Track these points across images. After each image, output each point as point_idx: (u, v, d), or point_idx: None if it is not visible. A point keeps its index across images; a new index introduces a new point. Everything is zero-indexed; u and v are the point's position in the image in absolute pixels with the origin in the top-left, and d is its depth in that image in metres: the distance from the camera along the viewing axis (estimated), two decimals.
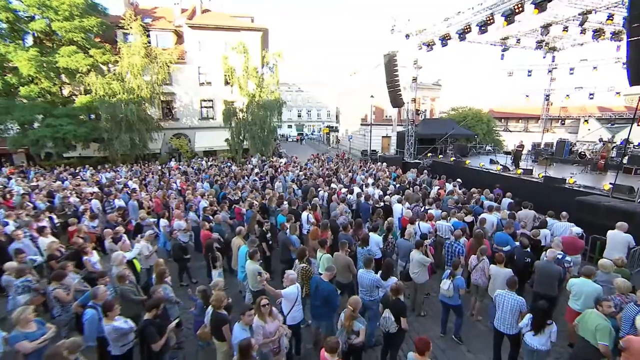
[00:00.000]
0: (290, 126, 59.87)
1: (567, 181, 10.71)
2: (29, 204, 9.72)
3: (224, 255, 7.03)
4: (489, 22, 12.59)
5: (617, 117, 25.24)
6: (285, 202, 8.93)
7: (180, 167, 18.40)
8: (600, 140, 16.65)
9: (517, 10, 11.35)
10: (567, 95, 21.00)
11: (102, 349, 4.27)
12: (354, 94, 33.45)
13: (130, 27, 19.89)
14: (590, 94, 19.81)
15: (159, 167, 18.25)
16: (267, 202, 9.38)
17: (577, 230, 6.75)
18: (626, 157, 12.77)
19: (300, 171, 15.30)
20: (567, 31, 15.73)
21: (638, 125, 10.14)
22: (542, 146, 19.28)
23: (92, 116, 20.76)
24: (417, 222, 7.30)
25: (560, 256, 5.47)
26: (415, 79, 18.73)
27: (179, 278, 7.56)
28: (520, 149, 15.73)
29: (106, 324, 3.95)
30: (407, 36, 16.25)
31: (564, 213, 7.28)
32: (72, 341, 3.37)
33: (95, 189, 12.35)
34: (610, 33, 15.88)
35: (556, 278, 5.22)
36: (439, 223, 7.60)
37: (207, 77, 24.51)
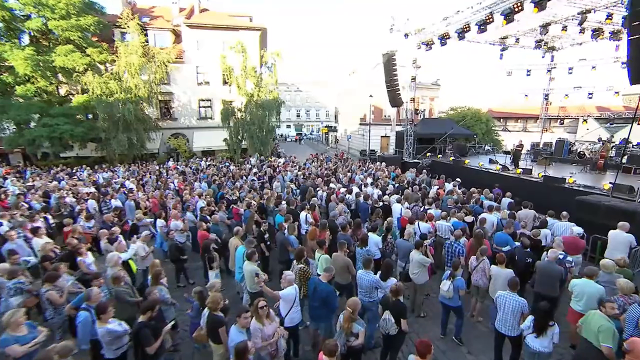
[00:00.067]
0: (289, 126, 59.80)
1: (566, 181, 10.67)
2: (24, 204, 9.60)
3: (221, 256, 6.95)
4: (488, 21, 12.52)
5: (615, 116, 25.24)
6: (284, 202, 8.85)
7: (178, 167, 18.28)
8: (600, 139, 16.63)
9: (516, 9, 11.30)
10: (566, 95, 20.97)
11: (95, 352, 4.18)
12: (352, 94, 33.38)
13: (128, 26, 19.76)
14: (589, 94, 19.79)
15: (157, 167, 18.14)
16: (265, 202, 9.29)
17: (578, 230, 6.70)
18: (625, 157, 12.74)
19: (298, 171, 15.22)
20: (566, 30, 15.69)
21: (638, 124, 10.08)
22: (541, 146, 19.27)
23: (90, 116, 20.61)
24: (416, 222, 7.22)
25: (561, 256, 5.41)
26: (414, 79, 18.67)
27: (176, 279, 7.46)
28: (520, 148, 15.69)
29: (99, 326, 3.86)
30: (406, 35, 16.16)
31: (564, 213, 7.22)
32: (63, 345, 3.28)
33: (92, 189, 12.24)
34: (609, 33, 15.86)
35: (557, 278, 5.15)
36: (439, 223, 7.54)
37: (205, 77, 24.41)
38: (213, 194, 10.83)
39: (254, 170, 16.11)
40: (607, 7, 13.35)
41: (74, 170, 16.75)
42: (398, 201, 8.85)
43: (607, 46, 17.01)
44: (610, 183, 9.53)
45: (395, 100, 18.55)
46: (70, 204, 9.97)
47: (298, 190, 11.44)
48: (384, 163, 17.30)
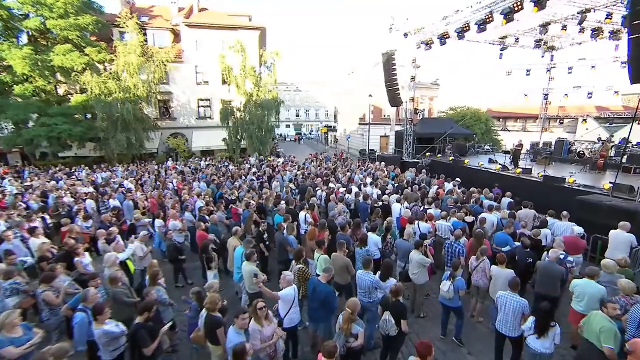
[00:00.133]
0: (288, 126, 59.73)
1: (566, 181, 10.64)
2: (21, 204, 9.55)
3: (220, 256, 6.90)
4: (488, 20, 12.49)
5: (615, 116, 25.24)
6: (283, 202, 8.80)
7: (177, 167, 18.23)
8: (599, 139, 16.61)
9: (516, 9, 11.27)
10: (566, 95, 20.96)
11: (92, 354, 4.14)
12: (352, 94, 33.34)
13: (127, 26, 19.70)
14: (589, 94, 19.78)
15: (156, 167, 18.08)
16: (264, 202, 9.25)
17: (579, 230, 6.67)
18: (625, 157, 12.72)
19: (298, 171, 15.17)
20: (566, 30, 15.67)
21: (639, 124, 10.05)
22: (540, 146, 19.24)
23: (89, 116, 20.53)
24: (416, 223, 7.19)
25: (562, 256, 5.37)
26: (413, 78, 18.63)
27: (175, 279, 7.42)
28: (520, 148, 15.66)
29: (96, 328, 3.81)
30: (406, 35, 16.12)
31: (565, 213, 7.18)
32: (59, 347, 3.23)
33: (91, 189, 12.19)
34: (609, 32, 15.85)
35: (559, 279, 5.12)
36: (439, 223, 7.50)
37: (204, 77, 24.34)
38: (212, 194, 10.79)
39: (253, 170, 16.06)
40: (607, 7, 13.34)
41: (72, 170, 16.69)
42: (398, 201, 8.81)
43: (606, 46, 17.03)
44: (610, 183, 9.50)
45: (394, 100, 18.52)
46: (68, 204, 9.92)
47: (297, 190, 11.40)
48: (383, 163, 17.26)
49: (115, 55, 19.69)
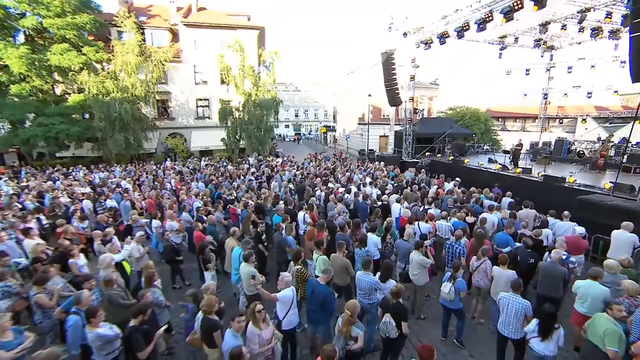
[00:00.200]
0: (287, 126, 59.59)
1: (567, 180, 10.58)
2: (17, 204, 9.44)
3: (217, 257, 6.82)
4: (487, 19, 12.43)
5: (614, 116, 25.24)
6: (281, 202, 8.72)
7: (175, 166, 18.12)
8: (599, 139, 16.58)
9: (516, 7, 11.21)
10: (565, 94, 20.93)
11: (85, 357, 4.04)
12: (351, 94, 33.27)
13: (124, 25, 19.57)
14: (588, 93, 19.75)
15: (154, 167, 17.97)
16: (262, 202, 9.16)
17: (581, 230, 6.60)
18: (625, 156, 12.69)
19: (297, 170, 15.10)
20: (565, 29, 15.63)
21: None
22: (540, 145, 19.20)
23: (86, 115, 20.40)
24: (416, 223, 7.11)
25: (564, 257, 5.30)
26: (413, 78, 18.55)
27: (172, 280, 7.34)
28: (519, 147, 15.60)
29: (89, 331, 3.72)
30: (405, 34, 16.05)
31: (566, 212, 7.11)
32: (49, 352, 3.14)
33: (88, 189, 12.07)
34: (609, 32, 15.82)
35: (561, 279, 5.05)
36: (439, 223, 7.43)
37: (203, 76, 24.23)
38: (210, 194, 10.70)
39: (252, 170, 15.97)
40: (606, 6, 13.29)
41: (69, 170, 16.56)
42: (397, 201, 8.74)
43: (606, 45, 17.00)
44: (611, 182, 9.44)
45: (394, 99, 18.46)
46: (65, 204, 9.81)
47: (295, 190, 11.31)
48: (382, 162, 17.19)
49: (113, 55, 19.57)
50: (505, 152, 17.34)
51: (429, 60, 43.21)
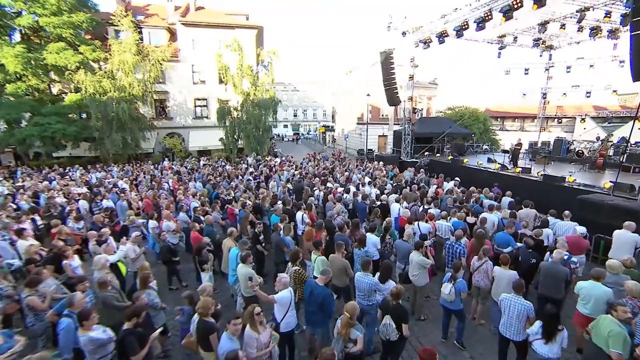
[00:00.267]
0: (286, 126, 59.49)
1: (566, 180, 10.54)
2: (12, 205, 9.32)
3: (215, 257, 6.72)
4: (486, 18, 12.40)
5: (613, 115, 25.26)
6: (280, 202, 8.63)
7: (173, 166, 18.00)
8: (598, 138, 16.57)
9: (515, 6, 11.17)
10: (564, 94, 20.94)
11: None
12: (350, 94, 33.23)
13: (121, 24, 19.41)
14: (587, 93, 19.75)
15: (151, 167, 17.84)
16: (260, 202, 9.07)
17: (582, 229, 6.54)
18: (624, 156, 12.65)
19: (295, 170, 15.01)
20: (564, 29, 15.62)
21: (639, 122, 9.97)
22: (539, 145, 19.18)
23: (83, 115, 20.23)
24: (416, 223, 7.03)
25: (566, 257, 5.24)
26: (412, 77, 18.51)
27: (168, 281, 7.24)
28: (519, 147, 15.57)
29: (81, 334, 3.62)
30: (404, 34, 16.00)
31: (566, 212, 7.06)
32: (40, 356, 3.05)
33: (84, 190, 11.94)
34: (607, 31, 15.81)
35: (563, 280, 4.98)
36: (439, 223, 7.36)
37: (201, 76, 24.10)
38: (208, 194, 10.60)
39: (250, 169, 15.88)
40: (605, 5, 13.27)
41: (66, 170, 16.41)
42: (397, 201, 8.66)
43: (605, 45, 17.00)
44: (611, 182, 9.40)
45: (392, 99, 18.40)
46: (60, 204, 9.70)
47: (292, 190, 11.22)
48: (381, 162, 17.12)
49: (110, 54, 19.39)
50: (505, 151, 17.31)
51: (427, 59, 43.36)
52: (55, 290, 4.76)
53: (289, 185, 11.68)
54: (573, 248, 5.83)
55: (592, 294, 4.36)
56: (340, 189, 10.29)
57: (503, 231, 6.70)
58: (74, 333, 3.82)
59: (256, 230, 7.14)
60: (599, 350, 3.58)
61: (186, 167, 17.51)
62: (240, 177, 13.78)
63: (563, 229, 6.82)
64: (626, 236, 5.88)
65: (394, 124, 22.91)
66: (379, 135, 30.96)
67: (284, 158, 20.91)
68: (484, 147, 21.99)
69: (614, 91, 19.29)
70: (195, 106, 24.65)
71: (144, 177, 14.64)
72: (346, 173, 13.73)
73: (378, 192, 10.21)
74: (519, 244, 6.17)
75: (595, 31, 15.67)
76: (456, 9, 13.43)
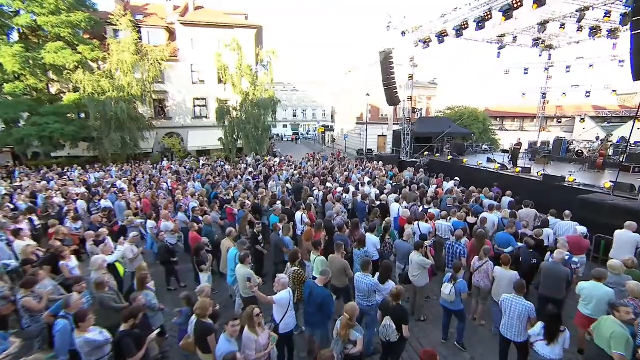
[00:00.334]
0: (285, 126, 59.42)
1: (566, 179, 10.51)
2: (9, 205, 9.26)
3: (213, 257, 6.68)
4: (486, 18, 12.37)
5: (612, 115, 25.27)
6: (279, 202, 8.59)
7: (172, 166, 17.94)
8: (598, 138, 16.56)
9: (515, 5, 11.13)
10: (564, 94, 20.93)
11: None
12: (349, 94, 33.19)
13: (120, 23, 19.34)
14: (587, 92, 19.75)
15: (150, 167, 17.77)
16: (259, 202, 9.03)
17: (582, 229, 6.51)
18: (623, 155, 12.65)
19: (295, 170, 14.97)
20: (564, 28, 15.62)
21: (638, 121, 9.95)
22: (538, 145, 19.17)
23: (82, 115, 20.16)
24: (416, 223, 6.99)
25: (567, 257, 5.20)
26: (411, 77, 18.48)
27: (167, 282, 7.20)
28: (518, 147, 15.55)
29: (77, 336, 3.57)
30: (403, 33, 15.97)
31: (567, 212, 7.03)
32: (35, 358, 3.02)
33: (82, 190, 11.88)
34: (607, 31, 15.80)
35: (564, 280, 4.95)
36: (439, 223, 7.32)
37: (200, 75, 24.03)
38: (207, 194, 10.55)
39: (250, 169, 15.83)
40: (605, 4, 13.25)
41: (64, 170, 16.34)
42: (396, 200, 8.63)
43: (604, 45, 17.00)
44: (611, 182, 9.37)
45: (392, 98, 18.37)
46: (58, 204, 9.64)
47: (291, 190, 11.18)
48: (381, 162, 17.08)
49: (109, 53, 19.32)
50: (504, 151, 17.29)
51: (427, 59, 43.22)
52: (52, 291, 4.70)
53: (288, 185, 11.64)
54: (574, 248, 5.80)
55: (593, 295, 4.32)
56: (339, 189, 10.25)
57: (503, 231, 6.66)
58: (70, 335, 3.77)
59: (255, 230, 7.09)
60: (601, 351, 3.54)
61: (185, 167, 17.45)
62: (239, 177, 13.73)
63: (563, 229, 6.79)
64: (627, 236, 5.84)
65: (394, 124, 22.91)
66: (379, 135, 30.93)
67: (283, 158, 20.85)
68: (484, 147, 21.98)
69: (614, 91, 19.29)
70: (195, 106, 24.58)
71: (143, 177, 14.58)
72: (345, 173, 13.69)
73: (377, 192, 10.17)
74: (519, 244, 6.13)
75: (594, 31, 15.66)
76: (456, 8, 13.40)
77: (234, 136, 21.15)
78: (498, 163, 13.83)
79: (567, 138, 19.01)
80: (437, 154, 18.86)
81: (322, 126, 49.67)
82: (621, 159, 11.59)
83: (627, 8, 12.44)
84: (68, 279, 5.09)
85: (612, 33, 15.76)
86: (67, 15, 17.39)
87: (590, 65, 18.74)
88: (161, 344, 5.02)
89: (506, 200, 9.09)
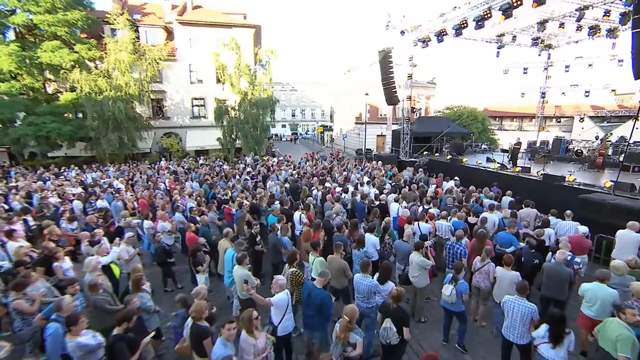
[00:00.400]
0: (284, 126, 59.33)
1: (566, 179, 10.46)
2: (4, 205, 9.13)
3: (211, 258, 6.58)
4: (486, 16, 12.32)
5: (611, 115, 25.28)
6: (277, 202, 8.50)
7: (170, 166, 17.82)
8: (597, 137, 16.54)
9: (515, 4, 11.08)
10: (563, 93, 20.92)
11: None
12: (348, 94, 33.13)
13: (117, 22, 19.19)
14: (586, 92, 19.73)
15: (148, 167, 17.64)
16: (257, 202, 8.93)
17: (584, 229, 6.44)
18: (623, 155, 12.61)
19: (293, 170, 14.88)
20: (563, 28, 15.59)
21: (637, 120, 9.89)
22: (537, 144, 19.14)
23: (79, 114, 20.01)
24: (416, 223, 6.91)
25: (569, 257, 5.13)
26: (410, 76, 18.43)
27: (164, 283, 7.09)
28: (518, 146, 15.51)
29: (69, 340, 3.46)
30: (402, 33, 15.90)
31: (568, 212, 6.97)
32: None
33: (79, 190, 11.75)
34: (606, 30, 15.78)
35: (567, 281, 4.87)
36: (439, 223, 7.24)
37: (198, 75, 23.94)
38: (204, 194, 10.45)
39: (248, 169, 15.74)
40: (604, 3, 13.21)
41: (61, 170, 16.19)
42: (395, 200, 8.55)
43: (603, 44, 17.00)
44: (611, 181, 9.32)
45: (391, 98, 18.30)
46: (54, 205, 9.52)
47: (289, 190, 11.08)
48: (380, 162, 17.01)
49: (106, 53, 19.20)
50: (504, 150, 17.25)
51: (426, 59, 43.28)
52: (45, 293, 4.60)
53: (287, 185, 11.55)
54: (575, 248, 5.73)
55: (598, 296, 4.25)
56: (338, 189, 10.17)
57: (504, 231, 6.59)
58: (62, 338, 3.66)
59: (253, 231, 6.99)
60: (606, 354, 3.47)
61: (183, 167, 17.33)
62: (237, 177, 13.63)
63: (565, 229, 6.73)
64: (630, 236, 5.77)
65: (393, 124, 22.86)
66: (378, 135, 30.86)
67: (281, 158, 20.76)
68: (483, 146, 21.94)
69: (613, 90, 19.27)
70: (193, 106, 24.48)
71: (140, 177, 14.46)
72: (344, 173, 13.60)
73: (377, 191, 10.09)
74: (521, 244, 6.05)
75: (594, 30, 15.63)
76: (455, 7, 13.35)
77: (233, 136, 21.06)
78: (498, 163, 13.77)
79: (566, 138, 18.99)
80: (436, 154, 18.80)
81: (321, 126, 49.60)
82: (621, 159, 11.53)
83: (626, 7, 12.40)
84: (62, 280, 4.98)
85: (612, 32, 15.74)
86: (63, 13, 17.25)
87: (589, 65, 18.72)
88: (157, 346, 4.92)
89: (506, 200, 9.03)
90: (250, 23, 25.22)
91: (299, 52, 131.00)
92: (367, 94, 24.74)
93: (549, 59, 20.34)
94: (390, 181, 12.33)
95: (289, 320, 4.35)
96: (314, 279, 4.72)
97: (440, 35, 14.55)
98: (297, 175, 13.33)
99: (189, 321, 3.87)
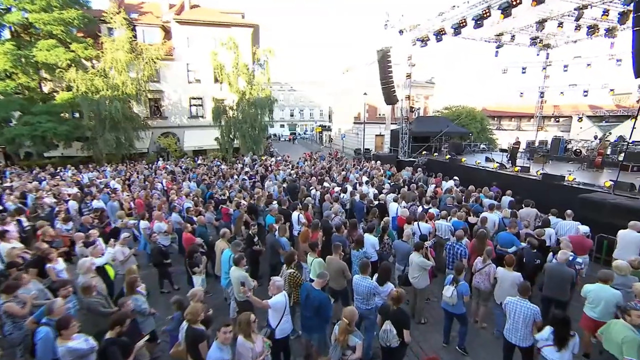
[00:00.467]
0: (282, 125, 59.24)
1: (566, 178, 10.42)
2: None
3: (208, 259, 6.48)
4: (485, 15, 12.27)
5: (609, 114, 25.33)
6: (275, 202, 8.40)
7: (167, 166, 17.68)
8: (596, 137, 16.54)
9: (514, 3, 11.04)
10: (562, 93, 20.92)
11: None
12: (347, 93, 33.06)
13: (114, 21, 19.03)
14: (585, 92, 19.73)
15: (145, 167, 17.50)
16: (255, 202, 8.83)
17: (585, 229, 6.37)
18: (622, 155, 12.59)
19: (291, 170, 14.78)
20: (562, 27, 15.57)
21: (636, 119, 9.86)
22: (536, 144, 19.13)
23: (76, 114, 19.84)
24: (416, 223, 6.84)
25: (571, 257, 5.06)
26: (409, 76, 18.37)
27: (160, 285, 6.99)
28: (517, 146, 15.48)
29: (60, 344, 3.36)
30: (401, 32, 15.85)
31: (568, 211, 6.90)
32: None
33: (75, 190, 11.61)
34: (605, 30, 15.76)
35: (569, 281, 4.80)
36: (439, 223, 7.17)
37: (196, 75, 23.81)
38: (202, 194, 10.35)
39: (246, 169, 15.63)
40: (603, 3, 13.19)
41: (57, 170, 16.03)
42: (394, 200, 8.47)
43: (602, 44, 17.00)
44: (611, 180, 9.28)
45: (390, 97, 18.22)
46: (49, 205, 9.38)
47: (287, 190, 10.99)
48: (378, 162, 16.94)
49: (102, 52, 19.03)
50: (503, 150, 17.22)
51: (425, 58, 43.23)
52: (37, 295, 4.49)
53: (285, 185, 11.46)
54: (576, 248, 5.66)
55: (601, 297, 4.18)
56: (337, 189, 10.09)
57: (505, 231, 6.52)
58: (53, 343, 3.55)
59: (250, 232, 6.89)
60: (611, 356, 3.40)
61: (181, 167, 17.21)
62: (235, 177, 13.52)
63: (565, 229, 6.67)
64: (631, 236, 5.71)
65: (391, 123, 22.78)
66: (376, 135, 30.80)
67: (280, 158, 20.66)
68: (482, 146, 21.92)
69: (611, 90, 19.28)
70: (191, 105, 24.35)
71: (137, 177, 14.33)
72: (343, 172, 13.53)
73: (376, 191, 10.01)
74: (523, 244, 5.99)
75: (592, 30, 15.60)
76: (454, 6, 13.30)
77: (231, 136, 20.96)
78: (497, 162, 13.73)
79: (565, 137, 18.98)
80: (435, 154, 18.75)
81: (320, 126, 49.54)
82: (620, 158, 11.50)
83: (625, 7, 12.38)
84: (54, 282, 4.87)
85: (610, 32, 15.72)
86: (59, 12, 17.09)
87: (588, 65, 18.72)
88: (152, 349, 4.82)
89: (506, 199, 8.97)
90: (248, 22, 25.12)
91: (297, 52, 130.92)
92: (365, 94, 24.68)
93: (547, 58, 20.32)
94: (389, 181, 12.26)
95: (287, 323, 4.26)
96: (312, 280, 4.63)
97: (439, 34, 14.49)
98: (295, 175, 13.24)
99: (185, 324, 3.77)
